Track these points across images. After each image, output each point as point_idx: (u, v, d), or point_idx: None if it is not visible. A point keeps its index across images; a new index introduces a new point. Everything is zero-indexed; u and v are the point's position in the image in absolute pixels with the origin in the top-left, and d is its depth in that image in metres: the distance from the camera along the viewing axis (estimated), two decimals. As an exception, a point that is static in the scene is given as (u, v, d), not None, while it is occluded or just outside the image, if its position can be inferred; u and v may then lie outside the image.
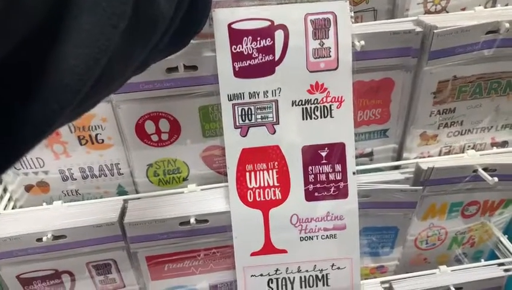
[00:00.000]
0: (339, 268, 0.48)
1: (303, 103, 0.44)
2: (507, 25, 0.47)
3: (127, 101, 0.48)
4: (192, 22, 0.32)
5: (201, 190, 0.54)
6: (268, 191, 0.46)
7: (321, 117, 0.45)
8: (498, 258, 0.64)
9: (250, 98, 0.44)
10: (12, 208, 0.55)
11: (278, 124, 0.45)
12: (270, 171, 0.45)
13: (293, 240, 0.47)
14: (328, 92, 0.44)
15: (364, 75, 0.49)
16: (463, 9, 0.52)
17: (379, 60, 0.48)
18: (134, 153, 0.52)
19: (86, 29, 0.19)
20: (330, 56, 0.44)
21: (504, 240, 0.64)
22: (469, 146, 0.57)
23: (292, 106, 0.45)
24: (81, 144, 0.51)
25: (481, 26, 0.47)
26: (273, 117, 0.45)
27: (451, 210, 0.58)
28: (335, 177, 0.46)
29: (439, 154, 0.57)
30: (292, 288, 0.49)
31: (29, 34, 0.17)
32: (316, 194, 0.46)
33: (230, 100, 0.44)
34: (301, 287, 0.49)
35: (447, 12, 0.52)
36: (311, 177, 0.46)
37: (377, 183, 0.52)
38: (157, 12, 0.25)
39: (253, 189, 0.46)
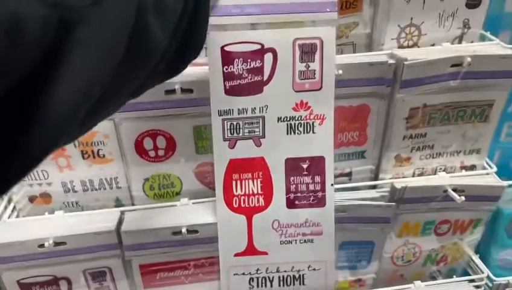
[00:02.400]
0: (314, 269, 0.52)
1: (288, 119, 0.49)
2: (469, 59, 0.52)
3: (128, 119, 0.53)
4: (188, 51, 0.34)
5: (193, 203, 0.58)
6: (252, 198, 0.50)
7: (304, 132, 0.49)
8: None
9: (239, 114, 0.48)
10: (16, 217, 0.59)
11: (264, 137, 0.49)
12: (255, 180, 0.50)
13: (273, 243, 0.51)
14: (312, 110, 0.49)
15: (343, 101, 0.55)
16: (432, 45, 0.58)
17: (356, 87, 0.54)
18: (132, 167, 0.56)
19: (80, 66, 0.20)
20: (315, 78, 0.48)
21: (475, 259, 0.68)
22: (440, 168, 0.62)
23: (278, 121, 0.49)
24: (83, 158, 0.56)
25: (446, 60, 0.53)
26: (259, 131, 0.49)
27: (425, 228, 0.63)
28: (314, 188, 0.50)
29: (413, 176, 0.62)
30: (271, 286, 0.53)
31: (27, 72, 0.18)
32: (297, 202, 0.50)
33: (220, 115, 0.49)
34: (279, 285, 0.52)
35: (418, 47, 0.58)
36: (292, 187, 0.50)
37: (354, 199, 0.57)
38: (151, 46, 0.26)
39: (239, 196, 0.50)
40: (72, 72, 0.20)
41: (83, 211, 0.58)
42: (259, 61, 0.47)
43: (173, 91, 0.50)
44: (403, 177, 0.62)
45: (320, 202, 0.51)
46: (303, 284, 0.53)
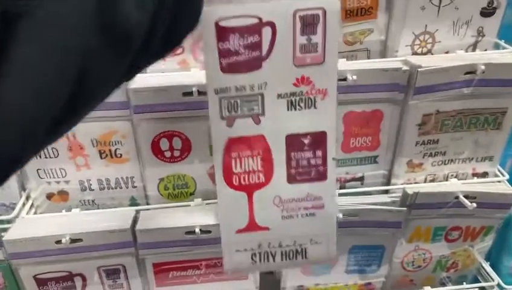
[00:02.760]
0: (316, 243, 0.51)
1: (288, 95, 0.46)
2: (482, 67, 0.53)
3: (145, 120, 0.54)
4: (182, 27, 0.32)
5: (206, 204, 0.59)
6: (252, 176, 0.49)
7: (305, 108, 0.47)
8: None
9: (236, 92, 0.45)
10: (34, 214, 0.60)
11: (264, 115, 0.47)
12: (255, 158, 0.48)
13: (275, 218, 0.50)
14: (313, 84, 0.46)
15: (356, 106, 0.55)
16: (446, 53, 0.59)
17: (370, 93, 0.55)
18: (148, 167, 0.57)
19: (28, 60, 0.19)
20: (317, 51, 0.45)
21: (486, 266, 0.68)
22: (452, 175, 0.63)
23: (278, 98, 0.46)
24: (101, 158, 0.57)
25: (460, 67, 0.53)
26: (258, 109, 0.46)
27: (436, 234, 0.63)
28: (316, 162, 0.48)
29: (425, 182, 0.62)
30: (274, 261, 0.51)
31: None
32: (298, 177, 0.49)
33: (217, 94, 0.45)
34: (282, 259, 0.51)
35: (432, 54, 0.59)
36: (293, 162, 0.49)
37: (365, 204, 0.57)
38: (128, 28, 0.24)
39: (239, 174, 0.48)
40: (20, 68, 0.19)
41: (99, 209, 0.60)
42: (257, 36, 0.43)
43: (190, 93, 0.51)
44: (415, 182, 0.62)
45: (322, 176, 0.49)
46: (305, 257, 0.52)
